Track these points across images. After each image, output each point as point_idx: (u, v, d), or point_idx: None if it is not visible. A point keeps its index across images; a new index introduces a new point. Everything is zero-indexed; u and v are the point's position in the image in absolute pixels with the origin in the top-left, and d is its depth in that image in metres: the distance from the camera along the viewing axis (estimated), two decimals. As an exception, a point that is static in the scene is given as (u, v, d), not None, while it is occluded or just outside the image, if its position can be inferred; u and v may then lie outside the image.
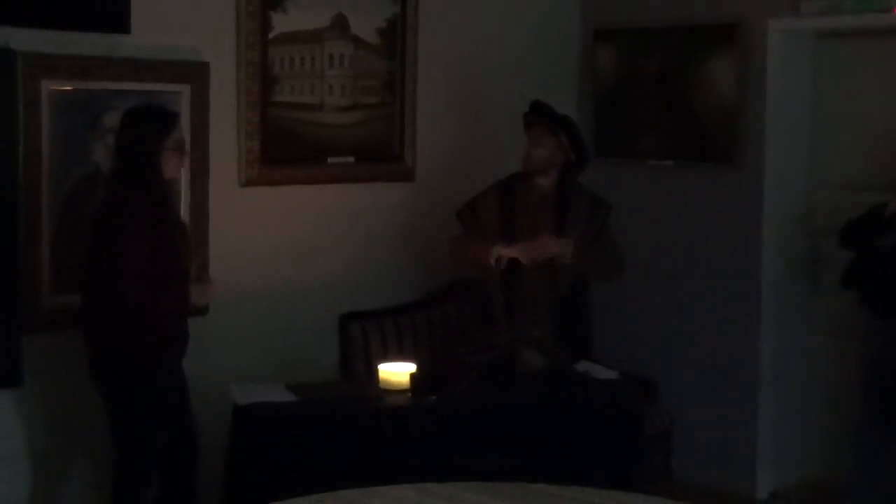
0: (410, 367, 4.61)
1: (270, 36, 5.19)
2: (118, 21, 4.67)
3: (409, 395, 4.50)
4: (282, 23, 5.23)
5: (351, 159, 5.52)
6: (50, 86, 4.54)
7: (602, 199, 5.20)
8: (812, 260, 5.95)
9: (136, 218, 4.18)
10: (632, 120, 6.29)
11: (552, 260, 4.95)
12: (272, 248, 5.30)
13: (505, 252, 4.92)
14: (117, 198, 4.28)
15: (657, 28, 6.14)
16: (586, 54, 6.46)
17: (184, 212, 4.91)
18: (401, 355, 5.26)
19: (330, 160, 5.46)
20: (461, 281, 5.74)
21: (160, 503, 4.51)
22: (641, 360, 5.96)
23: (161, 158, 4.25)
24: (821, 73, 5.93)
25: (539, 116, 5.09)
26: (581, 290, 5.18)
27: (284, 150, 5.29)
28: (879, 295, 5.01)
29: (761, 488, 5.92)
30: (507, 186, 5.16)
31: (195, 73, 4.94)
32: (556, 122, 5.05)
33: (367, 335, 5.51)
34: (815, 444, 6.03)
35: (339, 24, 5.44)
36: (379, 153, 5.66)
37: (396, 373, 4.59)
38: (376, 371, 4.75)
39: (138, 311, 4.23)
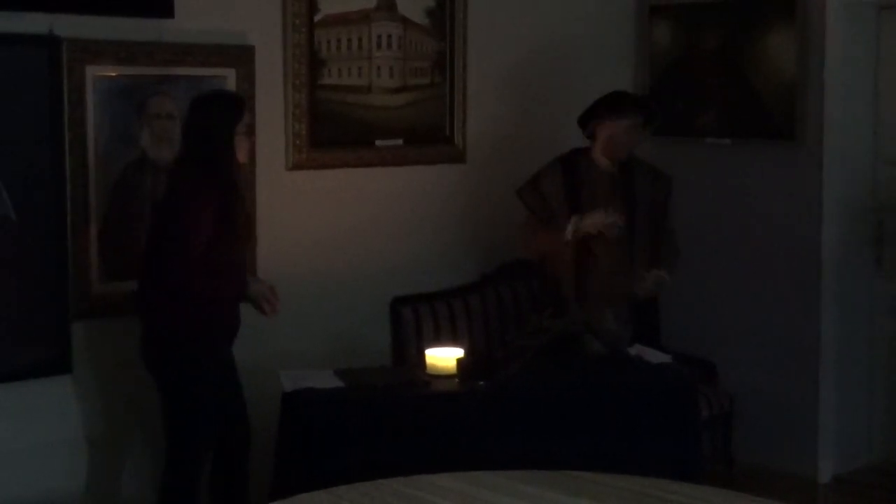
0: (458, 352, 4.54)
1: (317, 18, 5.15)
2: (162, 6, 4.64)
3: (457, 380, 4.44)
4: (328, 4, 5.18)
5: (399, 142, 5.47)
6: (95, 72, 4.53)
7: (661, 171, 5.20)
8: (875, 238, 5.81)
9: (206, 205, 4.17)
10: (689, 97, 6.17)
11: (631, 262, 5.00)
12: (321, 232, 5.26)
13: (584, 225, 4.92)
14: (187, 184, 4.25)
15: (714, 2, 6.01)
16: (642, 31, 6.34)
17: (232, 197, 4.90)
18: (454, 339, 5.20)
19: (378, 143, 5.41)
20: (516, 263, 5.68)
21: (212, 489, 4.53)
22: (700, 342, 5.87)
23: (235, 143, 4.28)
24: (883, 45, 5.77)
25: (637, 110, 5.06)
26: None
27: (332, 134, 5.25)
28: None
29: (824, 472, 5.80)
30: (570, 162, 5.10)
31: (241, 57, 4.91)
32: (653, 115, 5.10)
33: (419, 319, 5.43)
34: (879, 427, 5.91)
35: (387, 5, 5.38)
36: (429, 135, 5.59)
37: (444, 358, 4.53)
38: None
39: (196, 297, 4.23)
